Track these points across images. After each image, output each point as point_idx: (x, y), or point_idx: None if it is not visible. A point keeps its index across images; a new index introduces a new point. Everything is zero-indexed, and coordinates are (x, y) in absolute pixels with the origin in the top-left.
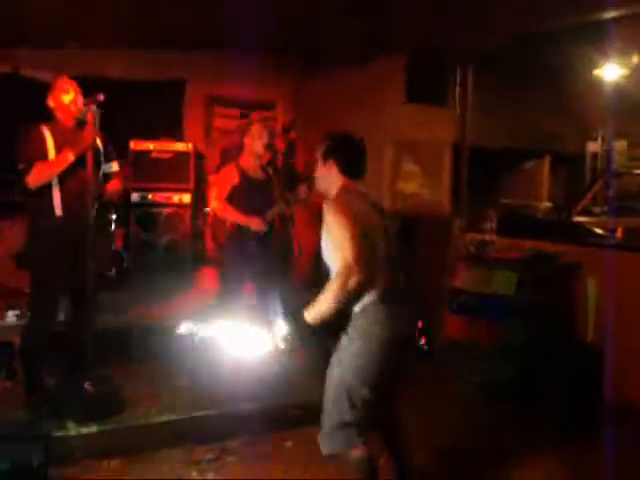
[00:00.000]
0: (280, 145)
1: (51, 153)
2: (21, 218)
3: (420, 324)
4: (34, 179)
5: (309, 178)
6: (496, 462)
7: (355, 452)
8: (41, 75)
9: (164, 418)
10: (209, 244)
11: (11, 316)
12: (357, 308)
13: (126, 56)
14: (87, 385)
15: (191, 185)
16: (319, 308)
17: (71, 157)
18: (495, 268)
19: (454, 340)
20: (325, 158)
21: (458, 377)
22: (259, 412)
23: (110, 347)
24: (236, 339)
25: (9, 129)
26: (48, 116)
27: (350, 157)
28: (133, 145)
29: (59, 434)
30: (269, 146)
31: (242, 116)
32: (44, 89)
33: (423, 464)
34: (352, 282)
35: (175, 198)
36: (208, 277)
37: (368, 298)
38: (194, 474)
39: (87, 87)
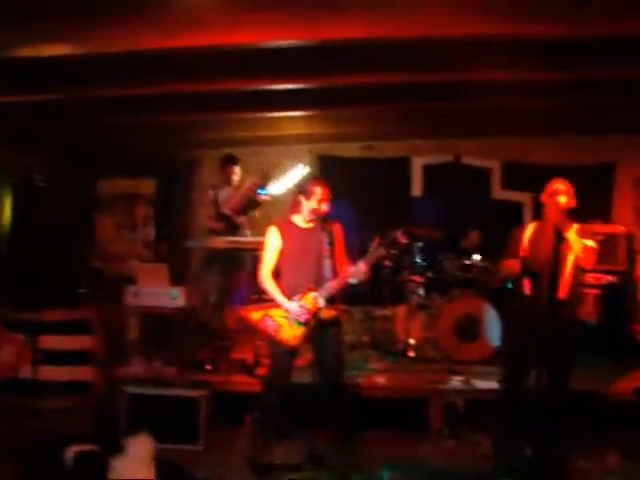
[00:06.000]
0: None
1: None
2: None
3: None
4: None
5: None
6: None
7: None
8: (479, 163)
9: None
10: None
11: (455, 381)
12: None
13: (554, 142)
14: (527, 450)
15: (621, 267)
16: None
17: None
18: None
19: None
20: None
21: None
22: None
23: None
24: None
25: (451, 214)
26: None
27: None
28: None
29: None
30: None
31: None
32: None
33: None
34: None
35: (605, 280)
36: None
37: None
38: None
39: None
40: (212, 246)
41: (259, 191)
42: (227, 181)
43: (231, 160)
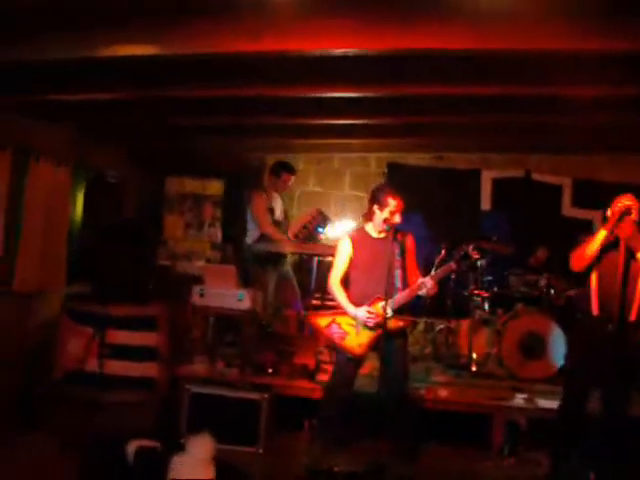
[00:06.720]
0: None
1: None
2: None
3: None
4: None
5: None
6: None
7: None
8: (550, 179)
9: None
10: None
11: (519, 398)
12: None
13: (626, 160)
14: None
15: None
16: None
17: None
18: None
19: None
20: None
21: None
22: None
23: None
24: None
25: (519, 230)
26: None
27: None
28: None
29: None
30: None
31: None
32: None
33: None
34: None
35: None
36: None
37: None
38: None
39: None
40: (275, 250)
41: (318, 229)
42: (277, 188)
43: (288, 169)
